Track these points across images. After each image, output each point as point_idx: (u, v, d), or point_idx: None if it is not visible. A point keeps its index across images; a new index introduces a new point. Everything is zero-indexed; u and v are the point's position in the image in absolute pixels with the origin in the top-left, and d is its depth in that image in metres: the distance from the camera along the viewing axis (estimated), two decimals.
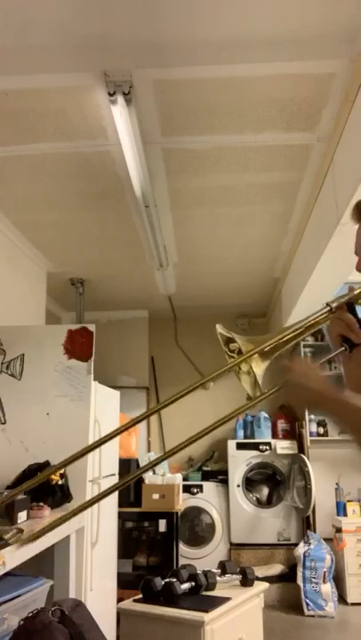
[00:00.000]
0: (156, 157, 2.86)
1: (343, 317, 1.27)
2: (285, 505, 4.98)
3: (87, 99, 2.40)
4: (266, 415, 5.29)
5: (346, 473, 4.86)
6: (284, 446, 5.07)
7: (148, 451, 5.59)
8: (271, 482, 5.17)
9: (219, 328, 1.35)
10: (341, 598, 4.39)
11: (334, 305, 1.27)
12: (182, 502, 4.61)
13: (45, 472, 2.58)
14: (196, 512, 5.10)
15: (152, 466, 1.26)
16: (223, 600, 2.47)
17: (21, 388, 3.22)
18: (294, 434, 5.26)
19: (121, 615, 2.52)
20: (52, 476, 2.82)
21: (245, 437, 5.26)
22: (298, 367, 1.23)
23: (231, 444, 5.15)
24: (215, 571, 2.71)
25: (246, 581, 2.70)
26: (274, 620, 4.07)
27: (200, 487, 5.13)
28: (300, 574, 4.33)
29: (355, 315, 1.26)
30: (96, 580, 3.12)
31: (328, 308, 1.27)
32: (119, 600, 2.82)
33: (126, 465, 4.21)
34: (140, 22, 2.03)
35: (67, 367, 3.23)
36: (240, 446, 5.15)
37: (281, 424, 5.32)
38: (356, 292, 1.29)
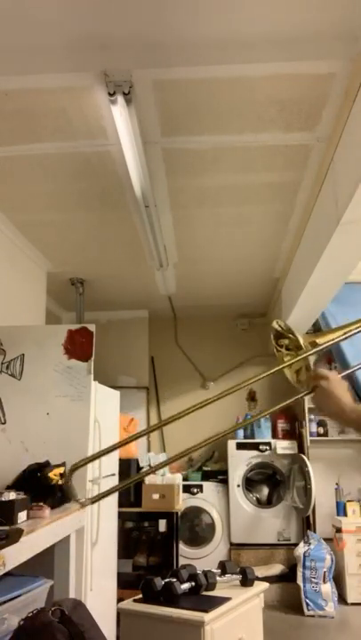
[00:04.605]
0: (156, 157, 2.86)
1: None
2: (285, 505, 4.98)
3: (87, 99, 2.40)
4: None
5: (346, 473, 4.87)
6: (284, 446, 5.07)
7: (148, 451, 5.59)
8: (271, 482, 5.17)
9: (276, 325, 1.47)
10: (341, 598, 4.39)
11: None
12: (182, 502, 4.61)
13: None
14: (196, 512, 5.10)
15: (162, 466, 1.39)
16: (223, 600, 2.47)
17: (21, 387, 3.22)
18: (294, 434, 5.26)
19: (121, 615, 2.52)
20: (52, 476, 2.82)
21: (245, 437, 5.26)
22: (332, 377, 1.36)
23: (231, 444, 5.15)
24: (215, 571, 2.71)
25: (246, 581, 2.70)
26: (274, 620, 4.07)
27: (200, 487, 5.13)
28: (300, 574, 4.33)
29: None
30: (96, 580, 3.12)
31: None
32: (119, 600, 2.82)
33: (126, 465, 4.21)
34: (140, 22, 2.03)
35: (67, 367, 3.23)
36: (240, 446, 5.15)
37: (281, 424, 5.33)
38: None
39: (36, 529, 2.28)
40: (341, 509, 4.71)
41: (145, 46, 2.14)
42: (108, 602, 3.41)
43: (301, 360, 1.39)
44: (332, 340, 1.39)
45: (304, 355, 1.35)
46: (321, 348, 1.37)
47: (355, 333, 1.41)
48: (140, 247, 4.08)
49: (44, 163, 2.93)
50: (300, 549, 4.45)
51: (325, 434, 5.07)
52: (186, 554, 4.86)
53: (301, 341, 1.36)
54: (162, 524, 4.45)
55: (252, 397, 5.58)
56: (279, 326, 1.44)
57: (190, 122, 2.60)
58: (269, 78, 2.30)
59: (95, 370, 3.25)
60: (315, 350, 1.36)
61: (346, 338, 1.42)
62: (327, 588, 4.24)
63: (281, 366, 1.38)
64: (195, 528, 5.10)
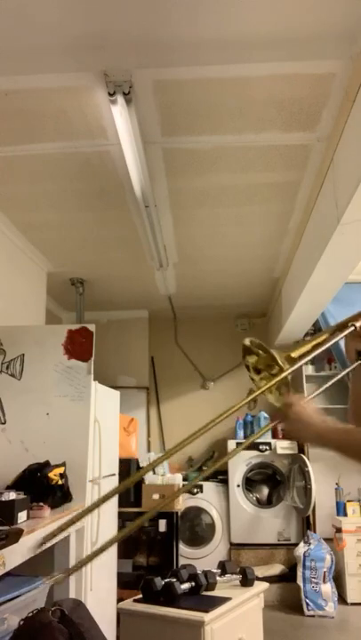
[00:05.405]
0: (156, 157, 2.86)
1: None
2: (285, 505, 4.98)
3: (87, 99, 2.40)
4: (266, 415, 5.29)
5: (346, 473, 4.86)
6: (284, 446, 5.07)
7: (148, 451, 5.59)
8: (271, 482, 5.17)
9: (247, 342, 1.42)
10: (341, 598, 4.38)
11: (359, 325, 1.40)
12: (182, 502, 4.61)
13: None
14: (196, 512, 5.10)
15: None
16: (223, 600, 2.47)
17: (21, 388, 3.22)
18: None
19: (121, 615, 2.52)
20: (52, 476, 2.82)
21: (245, 437, 5.25)
22: (297, 402, 1.32)
23: (231, 444, 5.15)
24: (215, 571, 2.71)
25: (246, 581, 2.70)
26: (274, 620, 4.07)
27: (200, 487, 5.12)
28: (300, 574, 4.33)
29: None
30: (96, 580, 3.12)
31: (353, 328, 1.40)
32: (119, 600, 2.82)
33: (126, 465, 4.21)
34: (140, 22, 2.03)
35: (67, 367, 3.23)
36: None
37: (281, 424, 5.32)
38: None
39: (36, 529, 2.28)
40: (341, 509, 4.71)
41: (145, 46, 2.14)
42: (108, 602, 3.41)
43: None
44: (307, 352, 1.35)
45: (284, 374, 1.29)
46: (299, 364, 1.32)
47: (329, 345, 1.38)
48: (140, 247, 4.08)
49: (44, 163, 2.93)
50: (300, 549, 4.45)
51: None
52: (186, 554, 4.86)
53: (278, 359, 1.31)
54: (162, 524, 4.45)
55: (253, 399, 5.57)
56: (251, 343, 1.40)
57: (190, 122, 2.60)
58: (269, 78, 2.30)
59: (95, 370, 3.25)
60: (293, 368, 1.31)
61: (320, 349, 1.38)
62: (327, 588, 4.24)
63: (262, 389, 1.32)
64: (195, 528, 5.10)
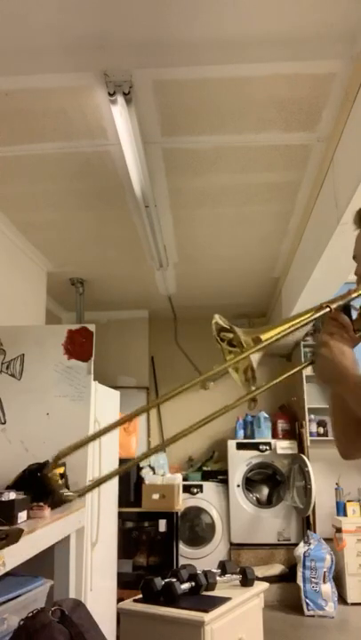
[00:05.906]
0: (156, 157, 2.86)
1: (339, 318, 1.32)
2: (285, 505, 4.98)
3: (87, 99, 2.40)
4: (266, 415, 5.29)
5: (346, 473, 4.87)
6: (284, 446, 5.08)
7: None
8: (271, 482, 5.17)
9: (218, 319, 1.30)
10: (341, 598, 4.39)
11: (334, 307, 1.31)
12: (182, 502, 4.61)
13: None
14: (196, 512, 5.10)
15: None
16: (223, 600, 2.46)
17: (21, 388, 3.22)
18: (294, 434, 5.26)
19: (121, 615, 2.52)
20: (52, 476, 2.82)
21: (245, 437, 5.26)
22: (335, 345, 1.25)
23: (231, 444, 5.16)
24: (215, 571, 2.70)
25: (246, 581, 2.70)
26: (274, 620, 4.07)
27: (200, 487, 5.13)
28: (300, 574, 4.33)
29: (349, 316, 1.32)
30: (96, 580, 3.12)
31: (328, 310, 1.31)
32: (119, 600, 2.82)
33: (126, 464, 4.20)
34: (140, 22, 2.03)
35: (67, 367, 3.22)
36: (240, 446, 5.16)
37: (281, 424, 5.33)
38: (353, 295, 1.35)
39: (36, 529, 2.28)
40: (341, 509, 4.71)
41: (145, 46, 2.14)
42: (108, 602, 3.41)
43: (245, 358, 1.23)
44: (278, 334, 1.25)
45: (246, 353, 1.20)
46: (265, 344, 1.21)
47: (302, 325, 1.30)
48: (140, 247, 4.08)
49: (44, 163, 2.93)
50: (300, 549, 4.45)
51: (325, 434, 5.06)
52: (186, 554, 4.86)
53: (242, 339, 1.22)
54: (162, 524, 4.45)
55: (252, 397, 5.57)
56: (222, 321, 1.29)
57: (190, 122, 2.60)
58: (269, 78, 2.31)
59: (95, 370, 3.25)
60: (254, 349, 1.20)
61: (293, 331, 1.28)
62: (327, 588, 4.24)
63: (223, 366, 1.25)
64: (195, 528, 5.10)
